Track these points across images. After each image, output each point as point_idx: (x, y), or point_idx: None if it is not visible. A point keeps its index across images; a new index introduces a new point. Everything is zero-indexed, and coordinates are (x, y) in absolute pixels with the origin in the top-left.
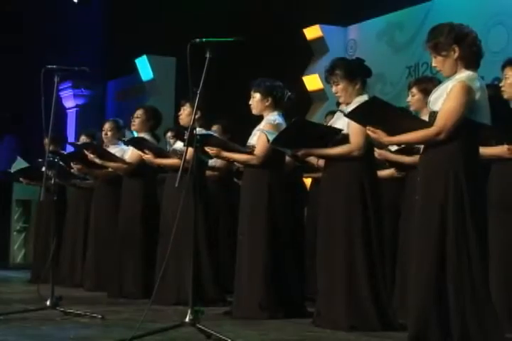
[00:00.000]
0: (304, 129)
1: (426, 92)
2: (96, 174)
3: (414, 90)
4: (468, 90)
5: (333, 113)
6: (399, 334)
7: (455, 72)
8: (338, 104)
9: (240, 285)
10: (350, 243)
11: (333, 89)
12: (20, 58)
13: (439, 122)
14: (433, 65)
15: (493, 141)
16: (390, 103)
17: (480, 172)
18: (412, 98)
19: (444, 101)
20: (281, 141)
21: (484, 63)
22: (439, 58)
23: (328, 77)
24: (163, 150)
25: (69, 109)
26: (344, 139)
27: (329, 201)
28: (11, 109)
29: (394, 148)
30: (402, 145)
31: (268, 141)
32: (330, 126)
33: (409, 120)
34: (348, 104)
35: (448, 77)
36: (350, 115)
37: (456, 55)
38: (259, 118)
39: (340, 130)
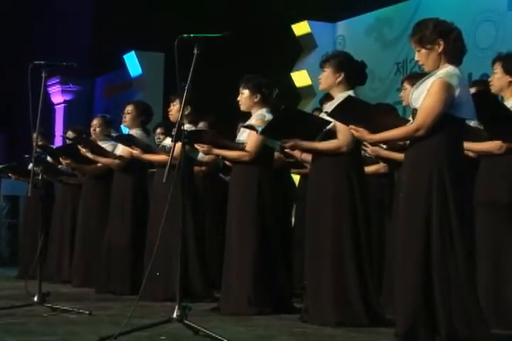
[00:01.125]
0: (293, 118)
1: None
2: (84, 169)
3: (406, 85)
4: (447, 87)
5: (319, 109)
6: (387, 330)
7: (438, 67)
8: (321, 101)
9: (228, 281)
10: (337, 240)
11: (320, 75)
12: (8, 54)
13: (419, 119)
14: (416, 58)
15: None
16: (366, 101)
17: (465, 168)
18: (404, 92)
19: (424, 97)
20: (270, 130)
21: (473, 59)
22: (423, 52)
23: (322, 62)
24: (152, 146)
25: (57, 104)
26: (331, 134)
27: (316, 197)
28: None
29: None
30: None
31: (257, 131)
32: (319, 117)
33: (389, 117)
34: (331, 99)
35: (430, 72)
36: (332, 115)
37: (441, 49)
38: (246, 115)
39: (329, 121)
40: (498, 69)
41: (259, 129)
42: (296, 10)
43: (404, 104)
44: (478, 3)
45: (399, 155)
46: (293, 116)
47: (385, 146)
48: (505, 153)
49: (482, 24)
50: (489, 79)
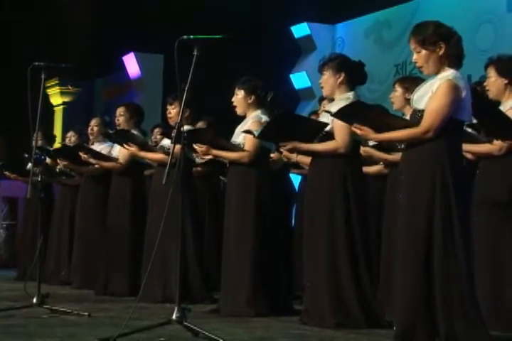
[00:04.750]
0: (289, 122)
1: (407, 90)
2: (82, 170)
3: (397, 87)
4: (455, 88)
5: (316, 113)
6: (386, 332)
7: (437, 70)
8: (320, 100)
9: (228, 282)
10: (333, 241)
11: (320, 80)
12: (7, 55)
13: (427, 121)
14: (414, 60)
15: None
16: (372, 105)
17: (466, 171)
18: (395, 94)
19: (431, 99)
20: (266, 134)
21: (472, 61)
22: (424, 53)
23: (320, 67)
24: (148, 143)
25: (56, 106)
26: (329, 136)
27: (312, 197)
28: None
29: (371, 143)
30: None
31: (254, 136)
32: (316, 120)
33: (393, 119)
34: (331, 100)
35: (428, 75)
36: (336, 115)
37: (442, 51)
38: (243, 117)
39: (326, 124)
40: (491, 72)
41: (256, 133)
42: (296, 12)
43: (394, 107)
44: (478, 5)
45: (391, 157)
46: (289, 120)
47: (370, 143)
48: (505, 154)
49: (481, 26)
50: (485, 84)
